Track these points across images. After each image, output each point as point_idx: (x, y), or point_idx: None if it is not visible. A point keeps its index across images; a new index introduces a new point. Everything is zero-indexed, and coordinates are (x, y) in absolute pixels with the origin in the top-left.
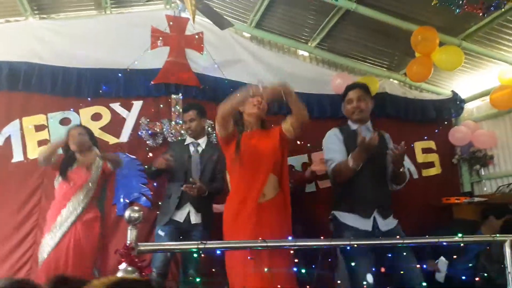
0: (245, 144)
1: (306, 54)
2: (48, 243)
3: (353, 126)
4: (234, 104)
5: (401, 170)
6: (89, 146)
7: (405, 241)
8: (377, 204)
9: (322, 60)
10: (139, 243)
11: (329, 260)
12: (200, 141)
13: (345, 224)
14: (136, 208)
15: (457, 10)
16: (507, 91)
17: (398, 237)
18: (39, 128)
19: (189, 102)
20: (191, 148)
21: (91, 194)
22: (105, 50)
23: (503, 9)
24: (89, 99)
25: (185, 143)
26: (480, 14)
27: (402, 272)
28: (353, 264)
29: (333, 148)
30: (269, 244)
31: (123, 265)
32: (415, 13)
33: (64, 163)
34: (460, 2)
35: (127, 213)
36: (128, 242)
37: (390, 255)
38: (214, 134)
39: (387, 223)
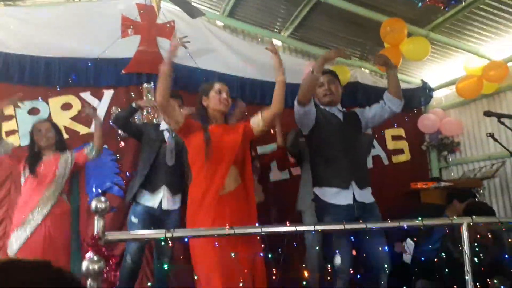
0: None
1: (279, 43)
2: (18, 238)
3: (325, 107)
4: (165, 89)
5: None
6: (56, 142)
7: (368, 226)
8: (354, 174)
9: (295, 49)
10: (106, 232)
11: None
12: None
13: (327, 202)
14: (102, 198)
15: (420, 4)
16: (472, 80)
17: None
18: (6, 118)
19: None
20: (166, 134)
21: (60, 189)
22: (75, 38)
23: (463, 3)
24: (58, 88)
25: (160, 129)
26: (442, 8)
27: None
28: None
29: None
30: (236, 231)
31: (88, 254)
32: (385, 5)
33: (32, 158)
34: None
35: (93, 204)
36: (96, 232)
37: (362, 237)
38: None
39: (366, 195)
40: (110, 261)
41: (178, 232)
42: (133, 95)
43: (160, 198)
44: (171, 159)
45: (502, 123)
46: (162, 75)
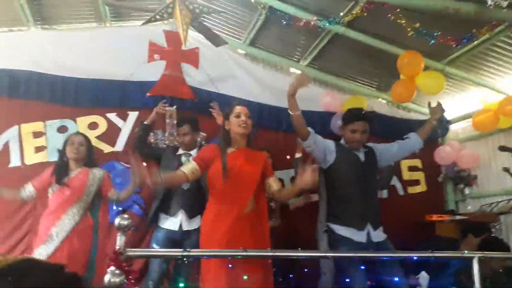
0: (230, 163)
1: (298, 72)
2: (42, 253)
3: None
4: None
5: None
6: (85, 156)
7: (379, 255)
8: (369, 217)
9: (313, 78)
10: (127, 249)
11: (307, 271)
12: (192, 152)
13: (341, 235)
14: (125, 216)
15: (432, 41)
16: (488, 115)
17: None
18: (37, 134)
19: (183, 114)
20: (183, 158)
21: (86, 205)
22: (104, 61)
23: (475, 42)
24: (86, 108)
25: (178, 153)
26: (454, 45)
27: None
28: (345, 275)
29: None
30: (250, 253)
31: (111, 268)
32: (401, 38)
33: (60, 170)
34: (434, 34)
35: (117, 220)
36: (117, 247)
37: (379, 268)
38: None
39: (378, 235)
40: (130, 275)
41: (194, 252)
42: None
43: (179, 221)
44: (187, 184)
45: None
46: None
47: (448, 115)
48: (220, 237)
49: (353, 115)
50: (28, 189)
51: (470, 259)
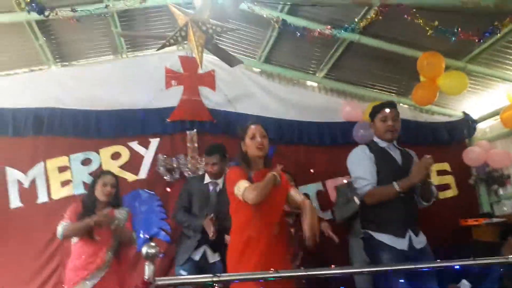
0: None
1: (315, 84)
2: None
3: (382, 144)
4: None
5: (430, 183)
6: (114, 197)
7: (419, 266)
8: (410, 222)
9: (331, 89)
10: (156, 278)
11: None
12: (218, 181)
13: (383, 243)
14: (152, 244)
15: (453, 38)
16: None
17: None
18: (62, 169)
19: (202, 136)
20: (210, 187)
21: (115, 247)
22: (123, 91)
23: (498, 35)
24: (108, 139)
25: (204, 182)
26: (476, 41)
27: None
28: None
29: (362, 166)
30: (281, 274)
31: None
32: (418, 40)
33: (87, 210)
34: (455, 30)
35: (144, 249)
36: (146, 277)
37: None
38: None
39: (420, 241)
40: None
41: (224, 277)
42: (177, 142)
43: (202, 252)
44: (213, 212)
45: None
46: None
47: (473, 114)
48: (254, 263)
49: (378, 105)
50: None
51: None
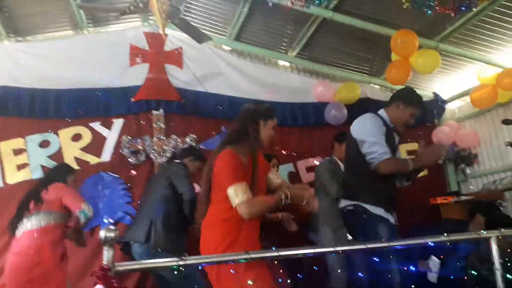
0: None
1: (287, 64)
2: None
3: (390, 124)
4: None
5: None
6: None
7: (391, 244)
8: (392, 201)
9: (303, 69)
10: (116, 263)
11: (315, 268)
12: None
13: (378, 215)
14: (112, 227)
15: (429, 12)
16: (486, 90)
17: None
18: (17, 152)
19: (169, 116)
20: None
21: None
22: (84, 69)
23: (474, 9)
24: (68, 119)
25: None
26: (452, 15)
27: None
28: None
29: (380, 134)
30: (252, 255)
31: (98, 287)
32: (392, 18)
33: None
34: (432, 3)
35: (102, 233)
36: (105, 262)
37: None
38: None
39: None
40: None
41: (191, 260)
42: (143, 123)
43: None
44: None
45: None
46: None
47: (443, 95)
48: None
49: (420, 98)
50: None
51: (486, 239)
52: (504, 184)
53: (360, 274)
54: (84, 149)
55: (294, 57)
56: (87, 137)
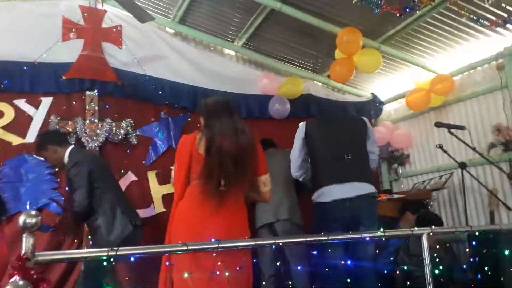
0: None
1: (232, 53)
2: None
3: None
4: None
5: None
6: None
7: (329, 238)
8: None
9: (249, 60)
10: (37, 253)
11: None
12: None
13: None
14: (32, 212)
15: (376, 10)
16: (421, 94)
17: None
18: None
19: (105, 98)
20: None
21: None
22: (9, 40)
23: (417, 11)
24: None
25: None
26: (398, 15)
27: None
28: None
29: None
30: (189, 247)
31: (14, 279)
32: (338, 16)
33: None
34: (379, 2)
35: (21, 219)
36: (24, 251)
37: None
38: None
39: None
40: (41, 286)
41: (122, 251)
42: (74, 103)
43: None
44: None
45: (452, 133)
46: None
47: (381, 96)
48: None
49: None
50: None
51: (419, 236)
52: (432, 184)
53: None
54: (6, 128)
55: (240, 47)
56: (9, 114)
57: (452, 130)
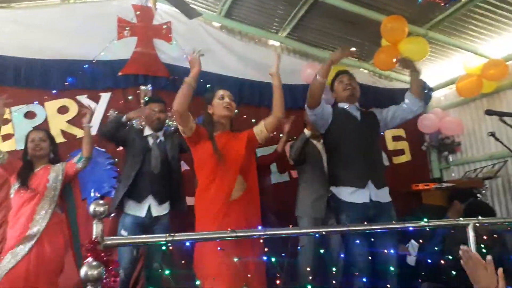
0: (218, 145)
1: (277, 44)
2: (16, 255)
3: (344, 105)
4: (185, 97)
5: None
6: (48, 152)
7: (373, 227)
8: (370, 174)
9: (293, 50)
10: (105, 237)
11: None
12: (159, 133)
13: (343, 201)
14: (101, 201)
15: (419, 0)
16: (471, 80)
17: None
18: (3, 122)
19: (158, 93)
20: (150, 140)
21: (52, 202)
22: (70, 40)
23: (462, 0)
24: (54, 91)
25: (144, 134)
26: (442, 5)
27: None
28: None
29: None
30: (238, 234)
31: (88, 260)
32: (382, 3)
33: (24, 170)
34: None
35: (91, 207)
36: (94, 236)
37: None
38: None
39: (381, 194)
40: (110, 266)
41: (179, 236)
42: (130, 98)
43: (147, 207)
44: (157, 167)
45: (504, 121)
46: (186, 85)
47: (430, 82)
48: (215, 222)
49: (335, 74)
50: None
51: (465, 226)
52: (484, 173)
53: (341, 255)
54: (71, 122)
55: (285, 38)
56: (73, 110)
57: (505, 118)
